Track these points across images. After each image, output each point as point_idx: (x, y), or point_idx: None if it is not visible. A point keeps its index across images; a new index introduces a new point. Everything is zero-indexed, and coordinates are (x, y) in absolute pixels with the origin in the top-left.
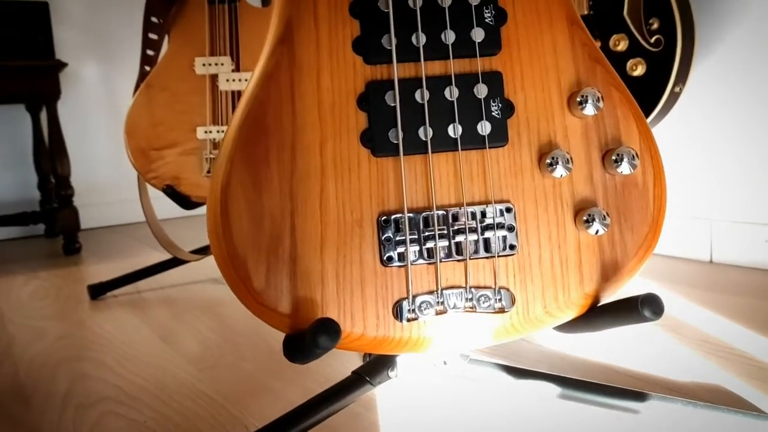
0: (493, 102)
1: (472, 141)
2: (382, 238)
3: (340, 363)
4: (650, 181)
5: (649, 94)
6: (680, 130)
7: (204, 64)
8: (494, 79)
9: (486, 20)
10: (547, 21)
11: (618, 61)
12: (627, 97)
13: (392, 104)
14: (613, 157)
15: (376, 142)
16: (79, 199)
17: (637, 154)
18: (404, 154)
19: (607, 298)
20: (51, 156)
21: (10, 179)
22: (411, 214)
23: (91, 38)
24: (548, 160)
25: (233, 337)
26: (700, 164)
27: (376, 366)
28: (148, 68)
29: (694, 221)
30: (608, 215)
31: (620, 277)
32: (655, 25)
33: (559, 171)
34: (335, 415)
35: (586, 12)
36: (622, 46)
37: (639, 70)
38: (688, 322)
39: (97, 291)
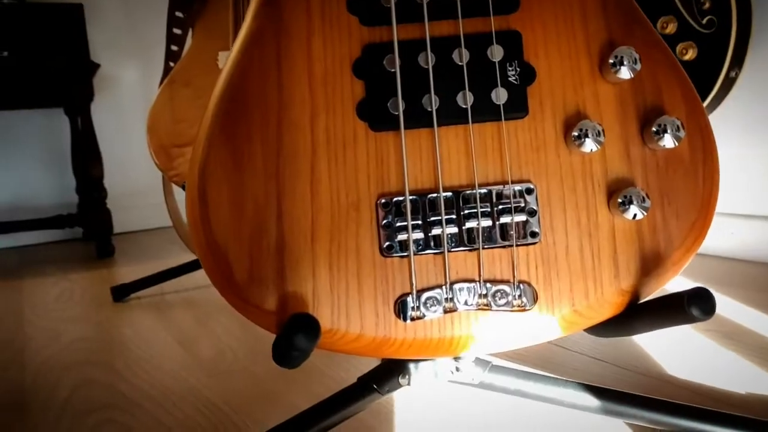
0: (510, 66)
1: (486, 111)
2: (382, 224)
3: (361, 371)
4: (699, 157)
5: (701, 80)
6: (737, 119)
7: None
8: (511, 40)
9: None
10: None
11: (667, 44)
12: (670, 59)
13: (392, 70)
14: (654, 129)
15: (373, 114)
16: (115, 202)
17: (682, 124)
18: (406, 128)
19: (647, 296)
20: (83, 158)
21: (50, 183)
22: (414, 197)
23: (126, 39)
24: (575, 133)
25: (251, 342)
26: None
27: (385, 372)
28: (172, 64)
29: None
30: (648, 197)
31: (663, 270)
32: (707, 5)
33: (589, 145)
34: (343, 428)
35: None
36: (671, 28)
37: (690, 54)
38: (745, 327)
39: (121, 293)
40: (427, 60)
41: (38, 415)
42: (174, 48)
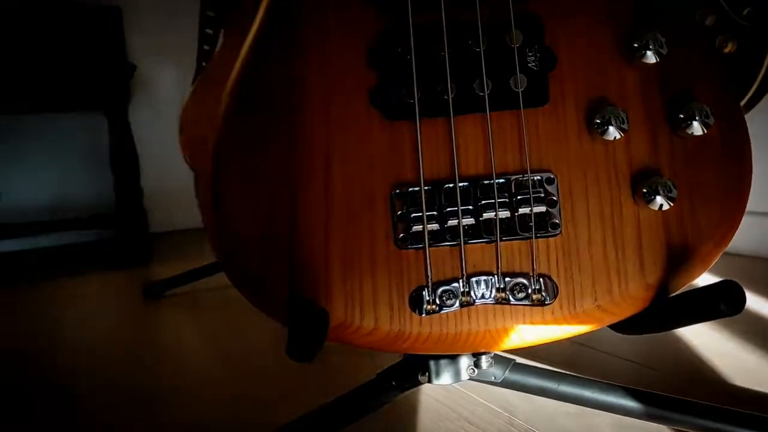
0: (530, 52)
1: (505, 99)
2: (397, 215)
3: None
4: (730, 145)
5: (741, 74)
6: None
7: None
8: (531, 24)
9: None
10: None
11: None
12: (698, 42)
13: (407, 57)
14: (681, 115)
15: (387, 102)
16: (152, 203)
17: (711, 110)
18: (421, 117)
19: (675, 291)
20: (120, 159)
21: (90, 183)
22: (429, 187)
23: (164, 41)
24: (598, 120)
25: (280, 343)
26: None
27: (404, 368)
28: (204, 63)
29: None
30: (675, 186)
31: (692, 264)
32: None
33: (612, 132)
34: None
35: None
36: (710, 21)
37: (730, 47)
38: None
39: (153, 291)
40: (444, 47)
41: (69, 404)
42: (206, 47)
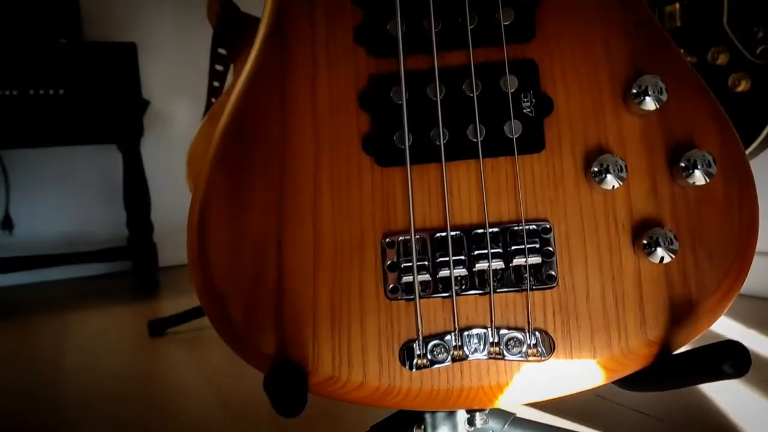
0: (525, 97)
1: (499, 145)
2: (386, 265)
3: None
4: (735, 195)
5: (755, 113)
6: None
7: None
8: (526, 69)
9: None
10: None
11: (718, 76)
12: (700, 88)
13: (399, 102)
14: (683, 164)
15: (379, 148)
16: (163, 236)
17: (714, 159)
18: (413, 163)
19: (679, 347)
20: (131, 193)
21: (104, 216)
22: (421, 236)
23: (178, 77)
24: (595, 168)
25: None
26: None
27: (398, 422)
28: (213, 100)
29: None
30: (676, 238)
31: (696, 319)
32: (761, 34)
33: (610, 181)
34: None
35: (679, 24)
36: (722, 59)
37: (743, 86)
38: None
39: (157, 328)
40: (436, 92)
41: None
42: (216, 84)
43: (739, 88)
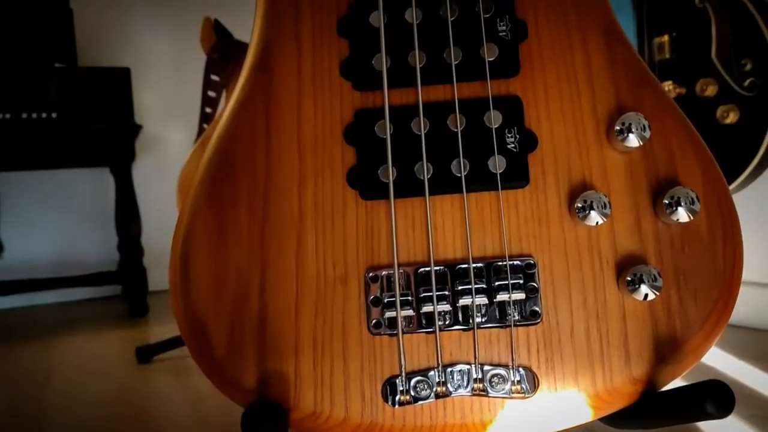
0: (509, 133)
1: (482, 180)
2: (370, 299)
3: None
4: (718, 232)
5: (744, 144)
6: None
7: None
8: (510, 105)
9: (500, 34)
10: (579, 34)
11: (706, 107)
12: (684, 125)
13: (383, 136)
14: (666, 201)
15: (364, 182)
16: (153, 260)
17: (697, 196)
18: (397, 197)
19: (664, 385)
20: (122, 217)
21: (95, 240)
22: (405, 270)
23: (172, 101)
24: (579, 204)
25: None
26: None
27: None
28: (205, 126)
29: None
30: (660, 275)
31: (681, 356)
32: (749, 67)
33: (594, 218)
34: None
35: (668, 56)
36: (711, 91)
37: (731, 118)
38: None
39: (145, 354)
40: (420, 126)
41: None
42: (208, 110)
43: (728, 120)
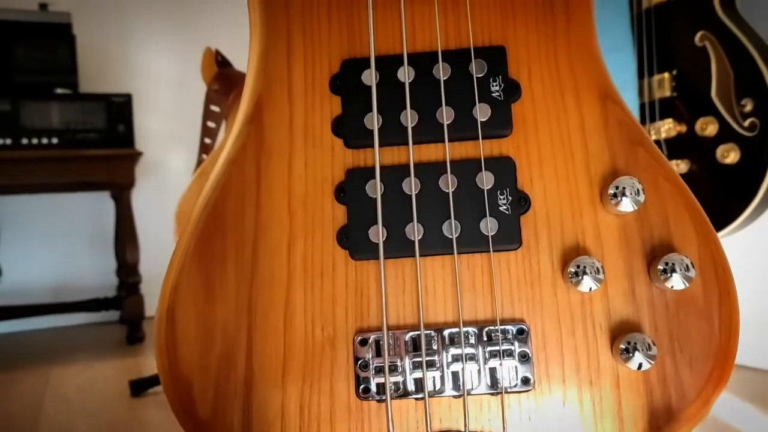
0: (501, 194)
1: (474, 242)
2: (359, 364)
3: None
4: (714, 299)
5: (744, 185)
6: None
7: None
8: (503, 166)
9: (493, 94)
10: (573, 95)
11: (707, 147)
12: (680, 189)
13: (374, 197)
14: (661, 267)
15: (354, 241)
16: (152, 286)
17: (692, 263)
18: (386, 257)
19: None
20: (121, 243)
21: (94, 265)
22: (394, 334)
23: (173, 126)
24: (572, 269)
25: None
26: None
27: None
28: (204, 156)
29: None
30: (654, 344)
31: (676, 426)
32: (749, 107)
33: (587, 284)
34: None
35: (668, 94)
36: (711, 130)
37: (731, 158)
38: None
39: (139, 387)
40: (411, 187)
41: None
42: (207, 141)
43: (728, 160)
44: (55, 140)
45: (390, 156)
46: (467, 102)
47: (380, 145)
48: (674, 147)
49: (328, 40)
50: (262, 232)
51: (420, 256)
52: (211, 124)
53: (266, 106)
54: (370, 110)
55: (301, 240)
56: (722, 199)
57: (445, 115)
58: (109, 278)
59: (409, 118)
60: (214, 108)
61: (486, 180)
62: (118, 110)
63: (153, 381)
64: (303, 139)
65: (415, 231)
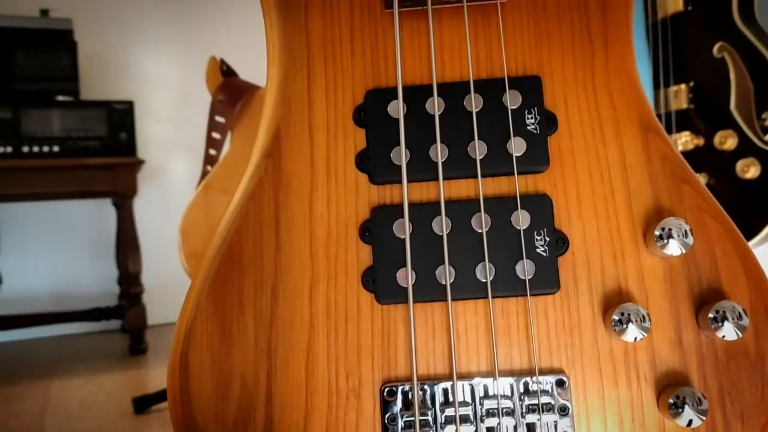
0: (538, 235)
1: (509, 286)
2: (386, 417)
3: None
4: (767, 348)
5: (765, 200)
6: None
7: None
8: (539, 205)
9: (529, 127)
10: (613, 127)
11: (726, 161)
12: (728, 230)
13: (402, 237)
14: (711, 315)
15: (380, 284)
16: (153, 293)
17: (745, 310)
18: (417, 301)
19: None
20: (123, 252)
21: (95, 272)
22: (424, 384)
23: (175, 133)
24: (616, 317)
25: None
26: None
27: None
28: (209, 168)
29: None
30: (704, 398)
31: None
32: None
33: (632, 333)
34: None
35: (685, 106)
36: (730, 144)
37: (752, 172)
38: None
39: (142, 404)
40: (442, 226)
41: None
42: (212, 152)
43: (748, 175)
44: (56, 148)
45: (418, 192)
46: (501, 135)
47: (408, 181)
48: (692, 160)
49: (351, 68)
50: (281, 274)
51: (452, 300)
52: (216, 135)
53: (285, 138)
54: (397, 144)
55: (323, 282)
56: (742, 215)
57: (478, 150)
58: (110, 286)
59: (439, 152)
60: (219, 119)
61: (522, 219)
62: (120, 117)
63: (156, 398)
64: (325, 174)
65: (446, 274)
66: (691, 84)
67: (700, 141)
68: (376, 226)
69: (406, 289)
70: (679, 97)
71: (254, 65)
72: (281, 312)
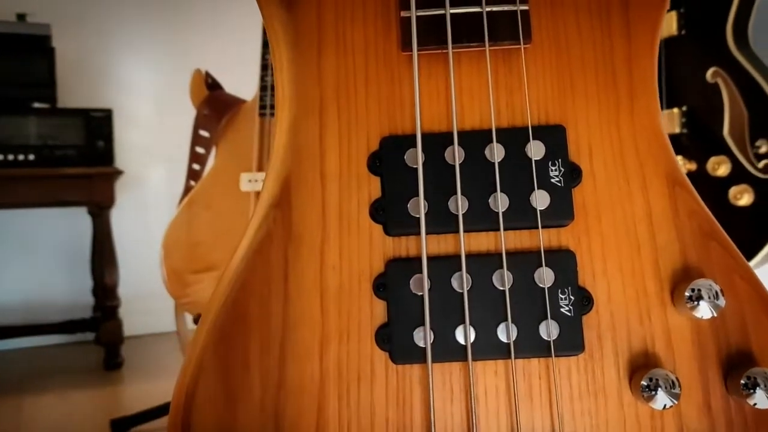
0: (562, 293)
1: (532, 347)
2: None
3: None
4: None
5: (757, 229)
6: None
7: (250, 180)
8: (563, 261)
9: (552, 180)
10: (639, 180)
11: (718, 187)
12: (758, 290)
13: (419, 293)
14: (743, 382)
15: (396, 343)
16: (129, 305)
17: None
18: (435, 361)
19: None
20: (99, 265)
21: (68, 282)
22: None
23: (155, 142)
24: (644, 383)
25: None
26: None
27: None
28: (193, 183)
29: None
30: None
31: None
32: (764, 149)
33: (661, 400)
34: None
35: (677, 130)
36: (723, 170)
37: (745, 200)
38: None
39: (120, 426)
40: (462, 283)
41: None
42: (196, 167)
43: (741, 202)
44: (31, 157)
45: (436, 245)
46: (523, 187)
47: (426, 233)
48: None
49: (366, 113)
50: (290, 332)
51: (472, 360)
52: (200, 150)
53: (295, 187)
54: (415, 194)
55: (335, 340)
56: (733, 242)
57: (500, 202)
58: (84, 297)
59: (459, 204)
60: (204, 133)
61: (546, 277)
62: (98, 126)
63: (135, 419)
64: (337, 225)
65: (467, 335)
66: (684, 108)
67: (693, 166)
68: (391, 281)
69: (424, 349)
70: (672, 121)
71: (235, 73)
72: (290, 373)
